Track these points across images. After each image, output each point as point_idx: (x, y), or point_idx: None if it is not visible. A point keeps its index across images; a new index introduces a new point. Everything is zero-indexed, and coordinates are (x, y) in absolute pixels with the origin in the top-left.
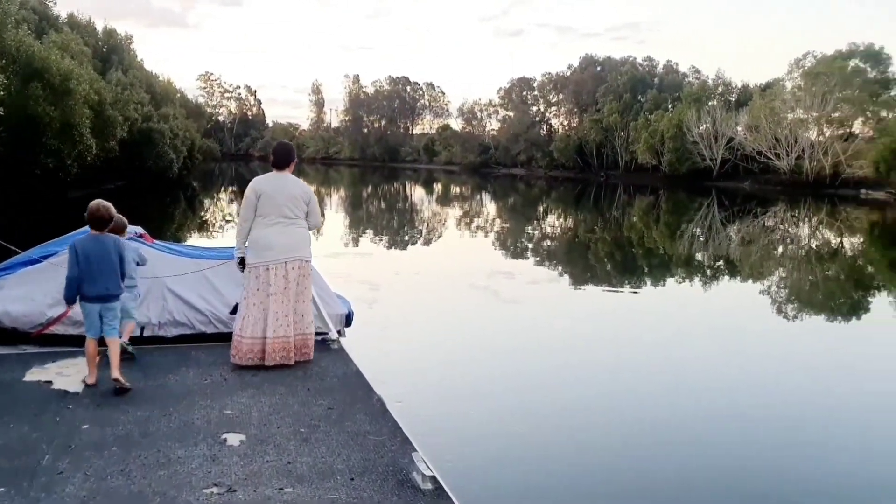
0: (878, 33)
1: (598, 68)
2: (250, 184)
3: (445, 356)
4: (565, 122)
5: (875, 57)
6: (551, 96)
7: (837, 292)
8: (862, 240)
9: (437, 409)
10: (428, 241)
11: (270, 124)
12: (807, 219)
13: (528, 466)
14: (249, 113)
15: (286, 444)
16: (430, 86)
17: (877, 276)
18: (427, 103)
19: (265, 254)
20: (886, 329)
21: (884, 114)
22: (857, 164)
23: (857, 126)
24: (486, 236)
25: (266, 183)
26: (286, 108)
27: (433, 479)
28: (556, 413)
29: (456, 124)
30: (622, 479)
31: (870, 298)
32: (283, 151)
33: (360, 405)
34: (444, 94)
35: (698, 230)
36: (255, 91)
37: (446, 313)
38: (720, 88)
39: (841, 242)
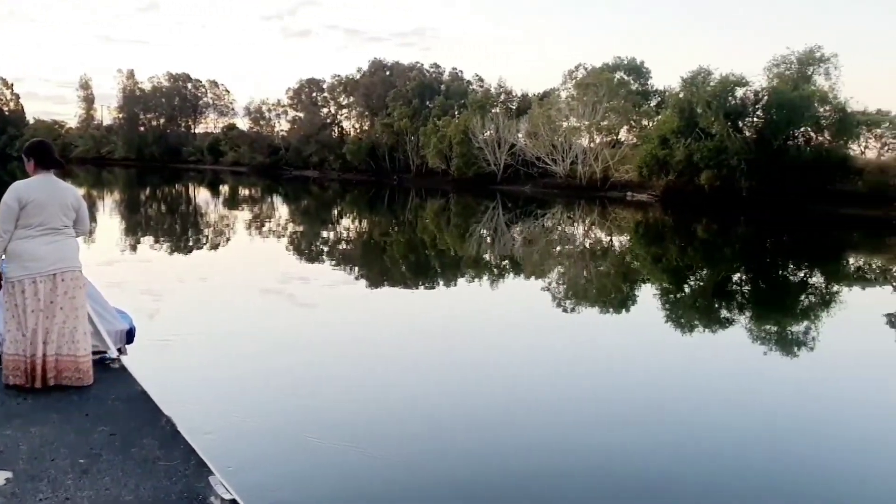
0: (639, 48)
1: (388, 73)
2: (10, 190)
3: (241, 369)
4: (357, 125)
5: (637, 70)
6: (342, 98)
7: (609, 286)
8: (629, 237)
9: (234, 428)
10: (215, 246)
11: (31, 121)
12: (581, 219)
13: (335, 480)
14: (6, 108)
15: (63, 478)
16: (214, 83)
17: (642, 270)
18: (210, 101)
19: (31, 265)
20: (651, 313)
21: (645, 122)
22: (623, 169)
23: (623, 134)
24: (278, 240)
25: (33, 190)
26: (49, 104)
27: (233, 502)
28: (362, 421)
29: (243, 124)
30: (433, 486)
31: (637, 291)
32: (45, 149)
33: (147, 429)
34: (228, 92)
35: (485, 231)
36: (12, 84)
37: (239, 322)
38: (502, 96)
39: (611, 240)
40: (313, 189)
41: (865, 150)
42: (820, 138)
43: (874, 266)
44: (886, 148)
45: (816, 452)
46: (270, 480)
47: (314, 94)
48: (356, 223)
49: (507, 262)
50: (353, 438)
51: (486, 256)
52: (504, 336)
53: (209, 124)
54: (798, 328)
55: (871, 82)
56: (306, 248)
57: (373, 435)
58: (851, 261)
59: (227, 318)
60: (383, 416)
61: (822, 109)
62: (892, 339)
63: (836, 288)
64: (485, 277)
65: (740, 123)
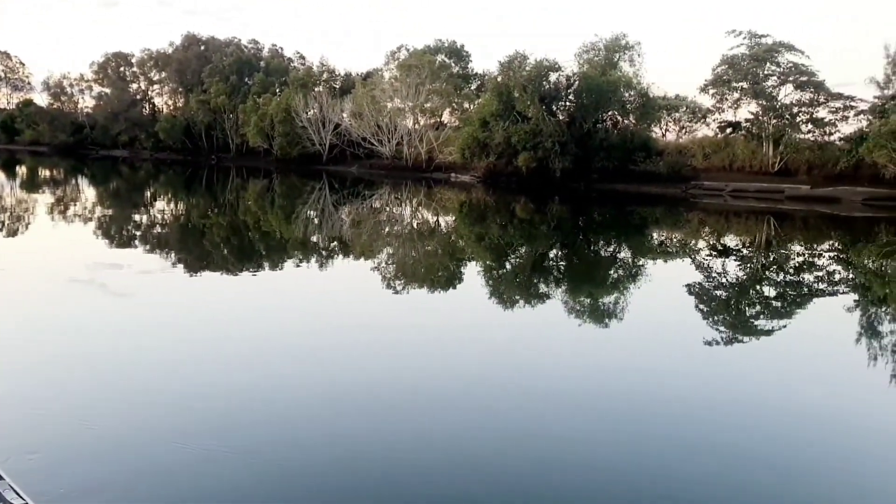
0: (459, 31)
1: (202, 48)
2: None
3: (37, 364)
4: (170, 102)
5: (458, 53)
6: (153, 74)
7: (437, 265)
8: (454, 217)
9: (25, 427)
10: (13, 233)
11: None
12: (408, 200)
13: (139, 477)
14: None
15: None
16: (6, 55)
17: (468, 248)
18: (2, 75)
19: None
20: (476, 290)
21: (466, 105)
22: (447, 151)
23: (446, 116)
24: (85, 224)
25: None
26: None
27: None
28: (174, 413)
29: (41, 100)
30: (271, 487)
31: (462, 269)
32: None
33: None
34: (23, 65)
35: (312, 213)
36: None
37: (38, 314)
38: (325, 75)
39: (437, 220)
40: (123, 170)
41: (666, 132)
42: (626, 121)
43: (674, 240)
44: (684, 131)
45: (638, 416)
46: (72, 483)
47: (122, 69)
48: (172, 205)
49: (335, 243)
50: (170, 429)
51: (314, 238)
52: (336, 318)
53: (2, 99)
54: (608, 299)
55: (671, 69)
56: (117, 234)
57: (184, 424)
58: (655, 235)
59: (26, 311)
60: (206, 405)
61: (627, 94)
62: (692, 307)
63: (642, 261)
64: (312, 260)
65: (554, 107)
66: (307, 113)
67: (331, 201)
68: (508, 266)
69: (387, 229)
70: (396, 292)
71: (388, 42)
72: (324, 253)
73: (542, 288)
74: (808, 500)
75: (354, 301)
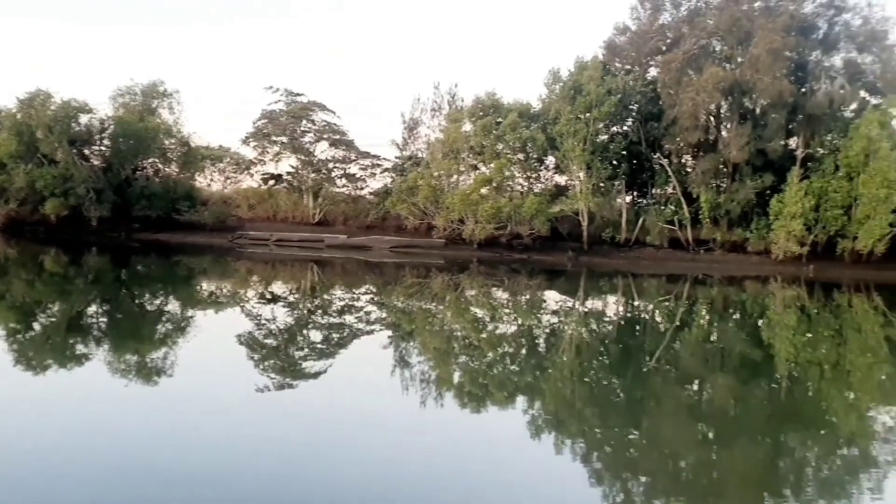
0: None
1: None
2: None
3: None
4: None
5: None
6: None
7: None
8: None
9: None
10: None
11: None
12: None
13: None
14: None
15: None
16: None
17: None
18: None
19: None
20: None
21: None
22: None
23: None
24: None
25: None
26: None
27: None
28: None
29: None
30: None
31: None
32: None
33: None
34: None
35: None
36: None
37: None
38: None
39: None
40: None
41: (212, 182)
42: (168, 170)
43: (224, 290)
44: (229, 181)
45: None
46: None
47: None
48: None
49: None
50: None
51: None
52: None
53: None
54: (156, 354)
55: (214, 119)
56: None
57: None
58: (204, 286)
59: None
60: None
61: (167, 142)
62: (244, 356)
63: (191, 312)
64: None
65: (87, 151)
66: None
67: None
68: (38, 327)
69: None
70: None
71: None
72: None
73: (81, 349)
74: None
75: None
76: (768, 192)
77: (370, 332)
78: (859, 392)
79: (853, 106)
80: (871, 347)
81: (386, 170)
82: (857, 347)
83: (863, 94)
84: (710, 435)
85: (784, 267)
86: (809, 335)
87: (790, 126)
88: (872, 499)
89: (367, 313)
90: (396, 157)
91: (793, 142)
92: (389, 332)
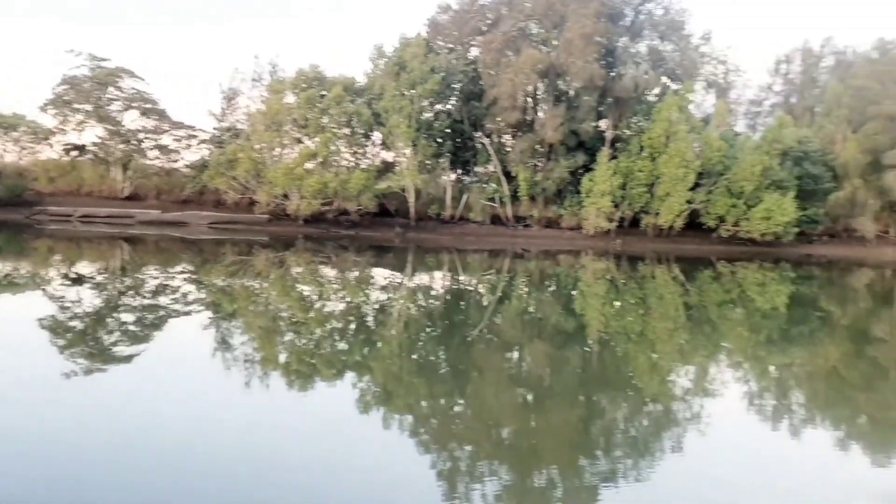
0: None
1: None
2: None
3: None
4: None
5: None
6: None
7: None
8: None
9: None
10: None
11: None
12: None
13: None
14: None
15: None
16: None
17: None
18: None
19: None
20: None
21: None
22: None
23: None
24: None
25: None
26: None
27: None
28: None
29: None
30: None
31: None
32: None
33: None
34: None
35: None
36: None
37: None
38: None
39: None
40: None
41: (4, 153)
42: None
43: (22, 271)
44: (25, 152)
45: None
46: None
47: None
48: None
49: None
50: None
51: None
52: None
53: None
54: None
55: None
56: None
57: None
58: None
59: None
60: None
61: None
62: (47, 343)
63: None
64: None
65: None
66: None
67: None
68: None
69: None
70: None
71: None
72: None
73: None
74: None
75: None
76: (581, 170)
77: (188, 314)
78: (661, 355)
79: (656, 90)
80: (671, 315)
81: (203, 141)
82: (660, 314)
83: (664, 79)
84: (530, 400)
85: (595, 241)
86: (618, 304)
87: (601, 108)
88: (673, 452)
89: (185, 294)
90: (214, 129)
91: (603, 123)
92: (210, 313)
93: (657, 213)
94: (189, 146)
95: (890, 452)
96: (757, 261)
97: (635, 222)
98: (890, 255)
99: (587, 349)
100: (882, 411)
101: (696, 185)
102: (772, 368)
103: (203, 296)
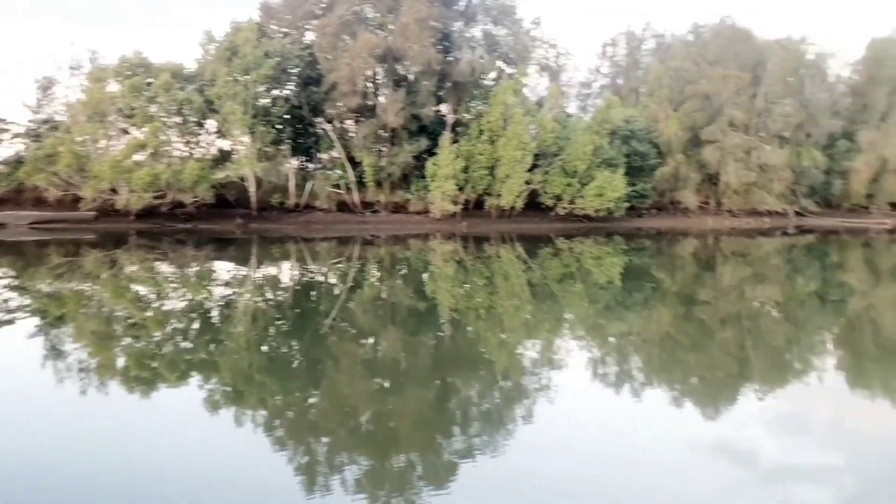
0: None
1: None
2: None
3: None
4: None
5: None
6: None
7: None
8: None
9: None
10: None
11: None
12: None
13: None
14: None
15: None
16: None
17: None
18: None
19: None
20: None
21: None
22: None
23: None
24: None
25: None
26: None
27: None
28: None
29: None
30: None
31: None
32: None
33: None
34: None
35: None
36: None
37: None
38: None
39: None
40: None
41: None
42: None
43: None
44: None
45: None
46: None
47: None
48: None
49: None
50: None
51: None
52: None
53: None
54: None
55: None
56: None
57: None
58: None
59: None
60: None
61: None
62: None
63: None
64: None
65: None
66: None
67: None
68: None
69: None
70: None
71: None
72: None
73: None
74: None
75: None
76: (425, 155)
77: (10, 322)
78: (509, 331)
79: (492, 75)
80: (516, 292)
81: (17, 135)
82: (506, 292)
83: (500, 63)
84: (387, 385)
85: (442, 224)
86: (466, 285)
87: (440, 93)
88: (525, 423)
89: (6, 301)
90: (30, 122)
91: (444, 108)
92: (36, 320)
93: (499, 195)
94: (1, 141)
95: (719, 406)
96: (592, 236)
97: (479, 204)
98: (710, 223)
99: (440, 332)
100: (710, 370)
101: (533, 167)
102: (611, 337)
103: (27, 302)
